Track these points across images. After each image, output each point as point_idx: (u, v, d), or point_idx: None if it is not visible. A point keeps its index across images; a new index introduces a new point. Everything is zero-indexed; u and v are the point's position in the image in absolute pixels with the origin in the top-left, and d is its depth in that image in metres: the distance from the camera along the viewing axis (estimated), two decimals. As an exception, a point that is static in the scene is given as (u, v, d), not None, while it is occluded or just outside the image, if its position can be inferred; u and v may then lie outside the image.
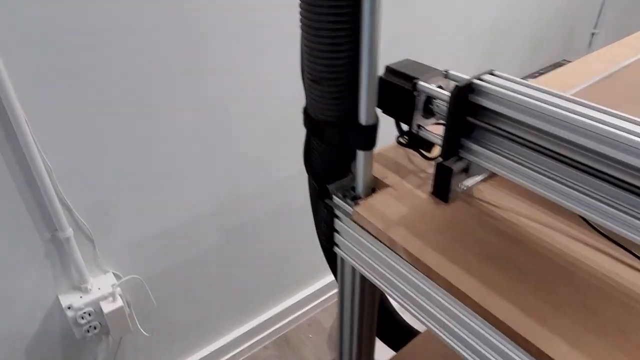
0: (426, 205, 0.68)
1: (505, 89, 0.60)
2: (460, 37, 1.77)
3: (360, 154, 0.68)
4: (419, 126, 0.70)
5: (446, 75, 0.69)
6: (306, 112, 0.71)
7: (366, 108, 0.64)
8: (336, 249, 0.75)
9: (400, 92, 0.67)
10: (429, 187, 0.72)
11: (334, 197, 0.73)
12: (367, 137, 0.66)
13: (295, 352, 1.82)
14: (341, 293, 0.83)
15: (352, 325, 0.84)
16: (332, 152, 0.72)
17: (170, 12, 1.02)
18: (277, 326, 1.83)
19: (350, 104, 0.65)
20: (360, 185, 0.71)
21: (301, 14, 0.60)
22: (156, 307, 1.38)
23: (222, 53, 1.15)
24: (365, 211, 0.67)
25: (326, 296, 1.96)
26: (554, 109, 0.55)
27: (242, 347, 1.74)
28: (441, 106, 0.67)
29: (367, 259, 0.69)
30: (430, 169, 0.76)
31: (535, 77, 2.01)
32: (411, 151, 0.74)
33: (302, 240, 1.68)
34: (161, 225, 1.28)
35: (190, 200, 1.30)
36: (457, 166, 0.66)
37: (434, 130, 0.69)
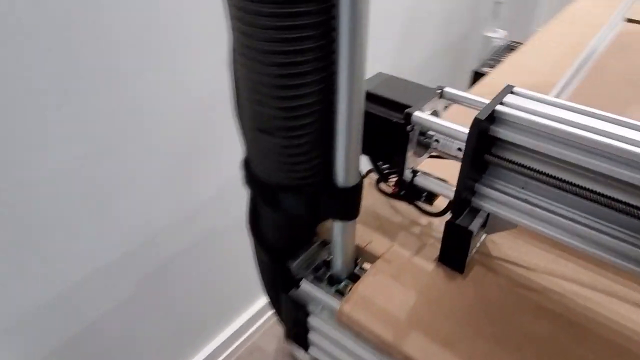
0: (438, 283, 0.48)
1: (534, 114, 0.42)
2: (380, 16, 1.60)
3: (338, 226, 0.46)
4: (415, 171, 0.49)
5: (441, 95, 0.49)
6: (248, 168, 0.47)
7: (346, 164, 0.41)
8: (312, 351, 0.53)
9: (387, 127, 0.46)
10: (431, 249, 0.52)
11: (304, 283, 0.51)
12: (349, 203, 0.44)
13: (240, 389, 1.59)
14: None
15: None
16: (293, 222, 0.50)
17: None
18: (215, 365, 1.58)
19: (320, 159, 0.43)
20: (338, 264, 0.49)
21: (237, 28, 0.35)
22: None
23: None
24: (357, 310, 0.46)
25: (263, 318, 1.74)
26: (613, 142, 0.38)
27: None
28: (443, 140, 0.47)
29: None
30: (423, 218, 0.56)
31: (492, 66, 1.88)
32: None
33: (231, 264, 1.43)
34: (47, 293, 0.95)
35: (84, 253, 0.99)
36: (475, 224, 0.47)
37: (426, 165, 0.49)
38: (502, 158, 0.45)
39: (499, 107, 0.42)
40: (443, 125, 0.44)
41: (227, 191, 1.27)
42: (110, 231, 1.05)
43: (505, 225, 0.48)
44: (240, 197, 1.26)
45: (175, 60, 0.93)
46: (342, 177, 0.42)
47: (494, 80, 0.84)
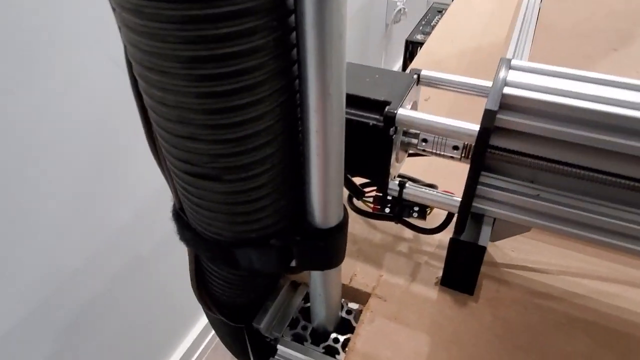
0: (450, 314, 0.39)
1: (549, 92, 0.33)
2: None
3: (318, 276, 0.35)
4: (402, 182, 0.38)
5: (418, 81, 0.38)
6: (182, 221, 0.33)
7: (324, 199, 0.30)
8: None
9: (362, 132, 0.35)
10: (427, 270, 0.43)
11: (282, 347, 0.39)
12: (332, 248, 0.32)
13: (200, 417, 1.46)
14: None
15: None
16: (254, 278, 0.37)
17: None
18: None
19: (289, 198, 0.30)
20: (321, 318, 0.38)
21: (127, 21, 0.21)
22: None
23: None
24: (363, 376, 0.35)
25: (210, 334, 1.61)
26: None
27: None
28: (434, 139, 0.37)
29: None
30: (406, 234, 0.47)
31: (425, 33, 1.78)
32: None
33: (164, 288, 1.27)
34: None
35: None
36: (484, 237, 0.38)
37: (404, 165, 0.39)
38: (507, 150, 0.36)
39: (507, 91, 0.32)
40: (441, 124, 0.34)
41: (146, 210, 1.10)
42: (9, 287, 0.84)
43: (515, 230, 0.39)
44: (161, 214, 1.09)
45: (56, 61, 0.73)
46: (319, 216, 0.31)
47: (434, 48, 0.76)
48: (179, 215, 0.33)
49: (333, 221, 0.31)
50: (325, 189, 0.29)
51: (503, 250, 0.45)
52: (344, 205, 0.32)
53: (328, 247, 0.32)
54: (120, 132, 0.90)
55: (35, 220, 0.83)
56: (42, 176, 0.80)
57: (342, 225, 0.32)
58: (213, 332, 1.68)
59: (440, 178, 0.43)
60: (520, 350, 0.37)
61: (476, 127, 0.33)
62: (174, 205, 0.34)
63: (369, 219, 0.47)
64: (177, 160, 0.27)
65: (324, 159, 0.27)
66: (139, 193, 1.05)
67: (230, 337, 0.46)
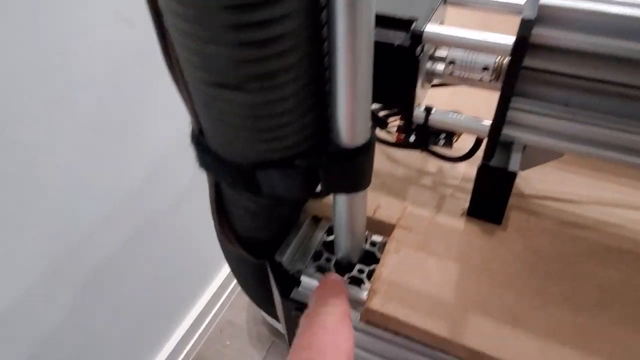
0: (478, 243, 0.38)
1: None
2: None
3: (343, 201, 0.34)
4: (428, 108, 0.36)
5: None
6: (202, 145, 0.32)
7: (352, 116, 0.28)
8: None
9: (386, 54, 0.33)
10: (452, 202, 0.41)
11: (305, 279, 0.38)
12: (359, 169, 0.31)
13: (217, 368, 1.50)
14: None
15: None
16: (278, 205, 0.36)
17: None
18: (185, 350, 1.47)
19: (314, 115, 0.29)
20: (346, 249, 0.37)
21: None
22: None
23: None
24: (390, 303, 0.34)
25: (228, 290, 1.63)
26: None
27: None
28: (462, 61, 0.35)
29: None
30: (430, 166, 0.45)
31: None
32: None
33: (182, 243, 1.28)
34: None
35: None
36: (514, 163, 0.36)
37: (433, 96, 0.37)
38: (541, 71, 0.34)
39: (543, 1, 0.30)
40: (473, 38, 0.31)
41: (160, 166, 1.09)
42: (27, 241, 0.85)
43: (546, 157, 0.37)
44: (175, 169, 1.08)
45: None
46: (346, 135, 0.29)
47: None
48: (199, 140, 0.32)
49: (360, 140, 0.30)
50: (353, 103, 0.27)
51: (530, 183, 0.43)
52: (376, 118, 0.31)
53: (355, 168, 0.30)
54: (132, 85, 0.89)
55: (51, 174, 0.83)
56: (57, 130, 0.80)
57: (370, 144, 0.30)
58: (229, 289, 1.70)
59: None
60: (553, 277, 0.36)
61: (511, 39, 0.31)
62: (193, 130, 0.33)
63: (392, 152, 0.45)
64: (197, 69, 0.26)
65: (352, 66, 0.25)
66: (153, 148, 1.05)
67: (248, 275, 0.45)
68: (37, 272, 0.87)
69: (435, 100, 0.43)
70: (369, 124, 0.30)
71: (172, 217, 1.21)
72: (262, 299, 0.50)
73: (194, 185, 1.17)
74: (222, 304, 1.69)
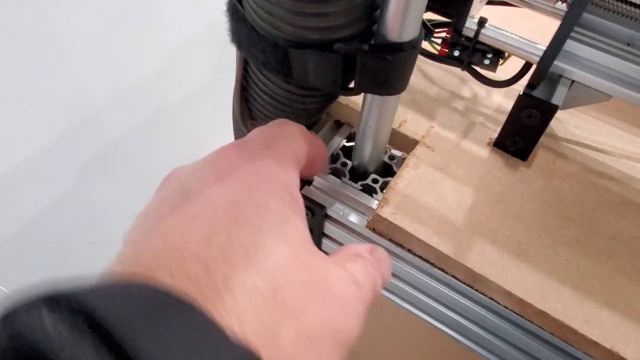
0: (499, 175, 0.37)
1: None
2: None
3: (374, 102, 0.32)
4: (482, 20, 0.34)
5: None
6: (236, 13, 0.30)
7: (404, 6, 0.26)
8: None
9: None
10: (481, 129, 0.40)
11: (318, 179, 0.38)
12: (400, 69, 0.29)
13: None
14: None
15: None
16: (305, 96, 0.35)
17: None
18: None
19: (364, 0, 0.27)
20: (365, 155, 0.36)
21: None
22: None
23: None
24: (400, 214, 0.34)
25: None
26: None
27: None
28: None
29: (397, 283, 0.39)
30: (465, 90, 0.43)
31: None
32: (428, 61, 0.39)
33: (191, 140, 1.28)
34: None
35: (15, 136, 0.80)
36: (559, 96, 0.34)
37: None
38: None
39: None
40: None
41: (177, 58, 1.06)
42: (37, 111, 0.84)
43: (593, 97, 0.35)
44: (192, 63, 1.05)
45: None
46: (394, 26, 0.27)
47: None
48: (235, 7, 0.30)
49: (408, 36, 0.28)
50: (410, -10, 0.25)
51: (566, 126, 0.41)
52: (423, 24, 0.28)
53: (395, 65, 0.29)
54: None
55: (77, 47, 0.81)
56: (73, 15, 0.76)
57: (416, 42, 0.28)
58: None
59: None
60: (567, 220, 0.35)
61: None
62: (232, -4, 0.31)
63: (430, 69, 0.43)
64: None
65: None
66: (175, 40, 1.01)
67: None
68: (48, 139, 0.87)
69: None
70: (420, 20, 0.28)
71: (184, 113, 1.20)
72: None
73: (210, 87, 1.15)
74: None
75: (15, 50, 0.72)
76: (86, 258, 1.13)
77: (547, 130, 0.41)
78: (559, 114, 0.41)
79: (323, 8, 0.26)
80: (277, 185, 0.21)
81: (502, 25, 0.45)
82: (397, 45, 0.28)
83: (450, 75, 0.44)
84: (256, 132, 0.26)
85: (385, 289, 0.39)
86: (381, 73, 0.29)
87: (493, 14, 0.37)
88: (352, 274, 0.21)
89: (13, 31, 0.70)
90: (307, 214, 0.37)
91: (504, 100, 0.42)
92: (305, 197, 0.37)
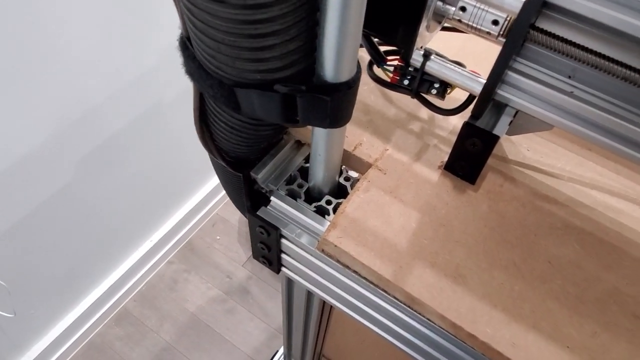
0: (446, 199, 0.39)
1: None
2: None
3: (321, 134, 0.34)
4: (427, 53, 0.35)
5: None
6: (189, 51, 0.32)
7: (338, 49, 0.27)
8: (285, 271, 0.45)
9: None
10: (434, 152, 0.41)
11: (275, 199, 0.40)
12: (340, 106, 0.31)
13: (203, 259, 1.59)
14: (288, 310, 0.55)
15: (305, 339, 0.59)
16: (256, 125, 0.36)
17: None
18: (177, 238, 1.55)
19: (301, 41, 0.28)
20: (319, 178, 0.38)
21: None
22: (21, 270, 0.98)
23: None
24: (345, 238, 0.36)
25: (224, 191, 1.68)
26: None
27: (142, 271, 1.46)
28: (473, 9, 0.33)
29: (341, 292, 0.41)
30: (423, 112, 0.44)
31: None
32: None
33: (182, 137, 1.30)
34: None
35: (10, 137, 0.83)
36: (501, 127, 0.35)
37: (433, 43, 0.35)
38: (551, 35, 0.32)
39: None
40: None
41: (172, 57, 1.08)
42: (36, 108, 0.87)
43: (537, 126, 0.37)
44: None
45: None
46: (330, 68, 0.29)
47: None
48: (185, 45, 0.32)
49: (344, 76, 0.29)
50: (341, 36, 0.27)
51: (519, 148, 0.43)
52: (358, 65, 0.30)
53: (334, 103, 0.30)
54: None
55: (76, 47, 0.83)
56: (71, 15, 0.78)
57: (352, 82, 0.30)
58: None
59: (470, 62, 0.40)
60: (507, 244, 0.37)
61: (525, -3, 0.29)
62: (181, 34, 0.32)
63: (386, 92, 0.44)
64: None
65: (342, -1, 0.24)
66: (165, 38, 1.03)
67: (228, 184, 0.47)
68: (50, 132, 0.90)
69: (448, 44, 0.41)
70: (355, 61, 0.29)
71: (180, 107, 1.21)
72: (239, 205, 0.52)
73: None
74: (217, 201, 1.74)
75: (15, 50, 0.74)
76: (83, 252, 1.17)
77: (499, 152, 0.42)
78: (514, 136, 0.43)
79: (260, 54, 0.28)
80: None
81: (465, 46, 0.46)
82: (333, 86, 0.29)
83: (410, 99, 0.45)
84: None
85: (343, 303, 0.42)
86: (320, 110, 0.31)
87: (456, 35, 0.39)
88: None
89: (13, 31, 0.72)
90: (262, 233, 0.40)
91: (459, 122, 0.44)
92: (260, 219, 0.39)
